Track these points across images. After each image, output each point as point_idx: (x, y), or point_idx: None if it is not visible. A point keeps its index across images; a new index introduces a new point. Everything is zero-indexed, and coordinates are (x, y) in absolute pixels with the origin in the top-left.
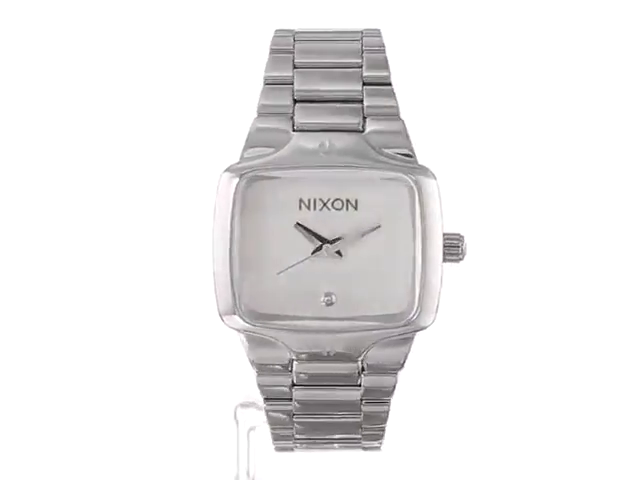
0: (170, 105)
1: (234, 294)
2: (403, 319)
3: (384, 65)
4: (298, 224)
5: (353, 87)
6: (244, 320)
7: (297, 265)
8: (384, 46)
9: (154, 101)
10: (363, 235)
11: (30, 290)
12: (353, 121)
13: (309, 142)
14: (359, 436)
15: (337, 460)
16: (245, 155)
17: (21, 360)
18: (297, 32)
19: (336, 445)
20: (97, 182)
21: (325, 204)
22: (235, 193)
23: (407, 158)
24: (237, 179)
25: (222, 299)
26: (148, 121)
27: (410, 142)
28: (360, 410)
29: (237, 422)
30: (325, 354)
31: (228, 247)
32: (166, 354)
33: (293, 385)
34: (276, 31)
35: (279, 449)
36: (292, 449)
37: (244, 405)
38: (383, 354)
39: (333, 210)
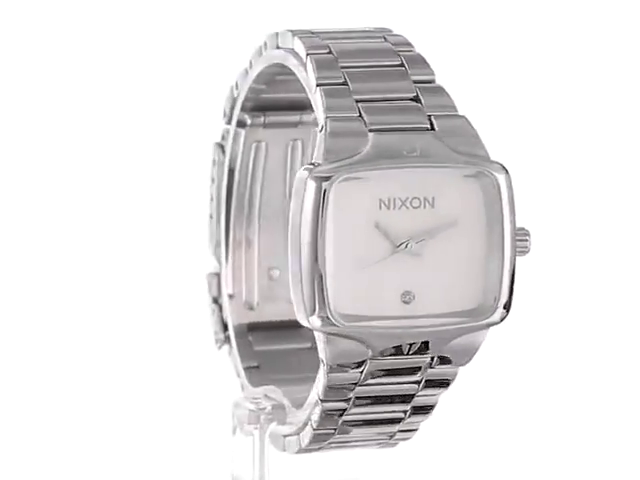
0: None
1: (316, 295)
2: (481, 314)
3: (425, 64)
4: (377, 224)
5: (408, 86)
6: (326, 321)
7: (377, 264)
8: (412, 44)
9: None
10: (440, 232)
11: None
12: (422, 119)
13: (388, 142)
14: (395, 430)
15: (336, 460)
16: (325, 157)
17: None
18: (319, 32)
19: (368, 443)
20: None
21: (403, 203)
22: (319, 196)
23: (479, 154)
24: (321, 182)
25: (305, 300)
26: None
27: (479, 138)
28: (410, 403)
29: (260, 427)
30: (404, 352)
31: (313, 250)
32: (173, 355)
33: (357, 383)
34: (294, 32)
35: (305, 451)
36: (318, 450)
37: (259, 410)
38: (457, 348)
39: (411, 208)
